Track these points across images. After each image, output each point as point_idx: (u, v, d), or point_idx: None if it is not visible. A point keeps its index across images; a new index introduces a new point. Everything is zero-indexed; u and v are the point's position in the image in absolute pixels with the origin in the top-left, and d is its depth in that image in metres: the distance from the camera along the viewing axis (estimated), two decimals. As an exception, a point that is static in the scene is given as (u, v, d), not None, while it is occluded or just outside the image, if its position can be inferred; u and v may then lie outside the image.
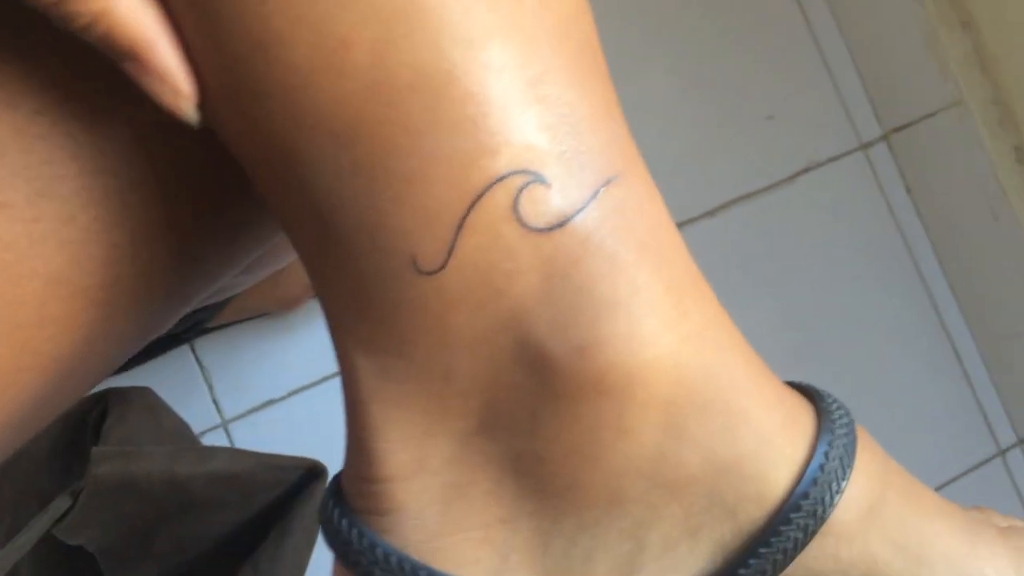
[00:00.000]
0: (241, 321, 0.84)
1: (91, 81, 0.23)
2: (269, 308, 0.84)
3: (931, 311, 0.97)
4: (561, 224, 0.20)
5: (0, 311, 0.22)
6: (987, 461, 0.97)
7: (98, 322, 0.24)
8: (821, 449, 0.22)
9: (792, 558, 0.22)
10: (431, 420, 0.22)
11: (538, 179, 0.20)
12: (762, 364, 0.23)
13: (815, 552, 0.22)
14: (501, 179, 0.20)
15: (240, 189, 0.26)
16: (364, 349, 0.22)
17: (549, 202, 0.20)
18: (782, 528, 0.22)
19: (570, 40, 0.21)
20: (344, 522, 0.23)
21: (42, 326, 0.23)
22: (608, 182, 0.21)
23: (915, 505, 0.23)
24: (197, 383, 0.82)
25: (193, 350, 0.81)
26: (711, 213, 0.91)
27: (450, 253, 0.20)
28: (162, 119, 0.23)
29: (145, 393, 0.63)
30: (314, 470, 0.58)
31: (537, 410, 0.22)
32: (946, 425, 0.96)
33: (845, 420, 0.23)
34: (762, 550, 0.22)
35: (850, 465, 0.22)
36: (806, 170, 0.95)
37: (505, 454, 0.22)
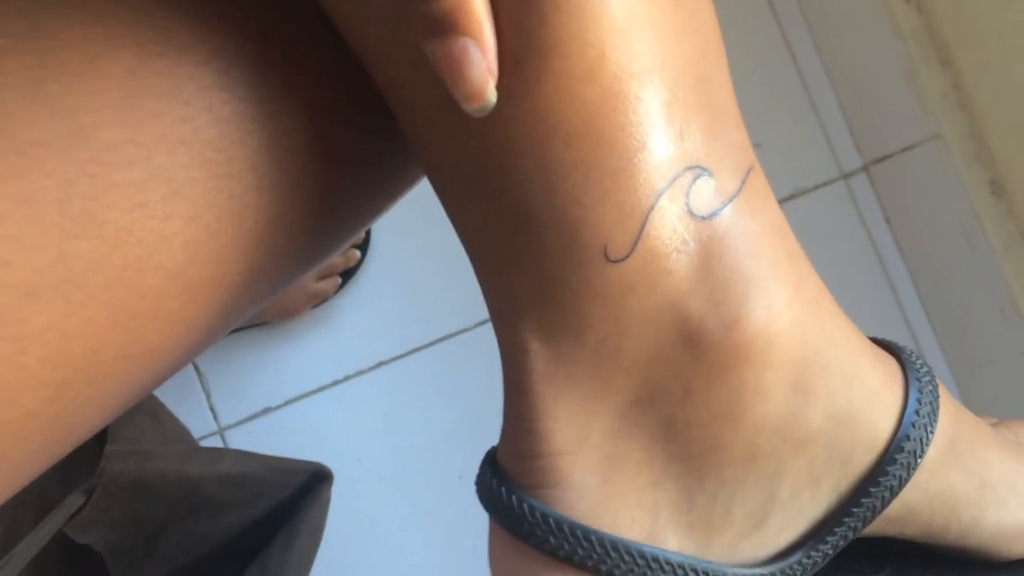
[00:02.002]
0: (240, 329, 0.84)
1: (238, 91, 0.24)
2: (269, 316, 0.85)
3: (908, 339, 0.99)
4: (718, 212, 0.23)
5: (123, 300, 0.23)
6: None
7: (198, 317, 0.25)
8: (913, 396, 0.25)
9: (896, 494, 0.25)
10: (594, 398, 0.24)
11: (704, 174, 0.23)
12: (855, 325, 0.26)
13: (910, 487, 0.25)
14: (678, 177, 0.23)
15: (355, 186, 0.27)
16: (542, 334, 0.24)
17: (711, 193, 0.23)
18: (889, 468, 0.25)
19: (721, 53, 0.24)
20: (514, 498, 0.25)
21: (156, 318, 0.24)
22: (748, 172, 0.24)
23: (979, 438, 0.27)
24: (194, 389, 0.82)
25: None
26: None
27: (636, 242, 0.23)
28: (292, 130, 0.24)
29: (148, 396, 0.63)
30: (320, 473, 0.59)
31: (690, 380, 0.24)
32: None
33: (926, 370, 0.26)
34: (872, 489, 0.25)
35: (937, 410, 0.25)
36: (791, 197, 0.97)
37: (657, 423, 0.24)
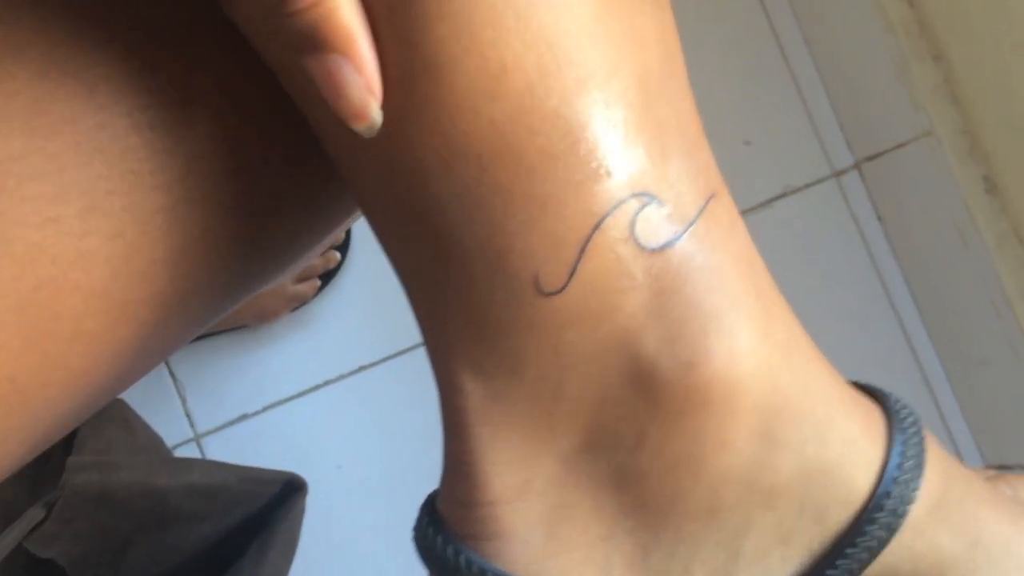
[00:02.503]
0: (217, 333, 0.83)
1: (154, 96, 0.22)
2: (246, 320, 0.84)
3: (902, 338, 0.98)
4: (671, 243, 0.21)
5: (36, 324, 0.21)
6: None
7: (130, 338, 0.24)
8: (896, 449, 0.23)
9: (876, 556, 0.23)
10: (537, 441, 0.22)
11: (653, 201, 0.21)
12: (833, 369, 0.24)
13: (892, 547, 0.23)
14: (621, 203, 0.21)
15: (293, 199, 0.25)
16: (474, 371, 0.22)
17: (662, 222, 0.21)
18: (867, 528, 0.23)
19: (676, 67, 0.22)
20: (450, 549, 0.23)
21: (75, 340, 0.22)
22: (708, 200, 0.22)
23: (971, 494, 0.24)
24: (169, 395, 0.81)
25: (167, 362, 0.80)
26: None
27: (572, 274, 0.21)
28: (220, 134, 0.23)
29: (118, 404, 0.63)
30: (293, 483, 0.58)
31: (643, 425, 0.22)
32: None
33: (912, 419, 0.24)
34: (849, 550, 0.23)
35: (923, 463, 0.23)
36: (782, 195, 0.96)
37: (608, 471, 0.23)
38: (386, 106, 0.21)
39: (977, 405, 0.96)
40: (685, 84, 0.23)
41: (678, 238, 0.21)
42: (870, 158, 0.97)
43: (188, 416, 0.80)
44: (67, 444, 0.56)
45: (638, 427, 0.22)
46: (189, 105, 0.23)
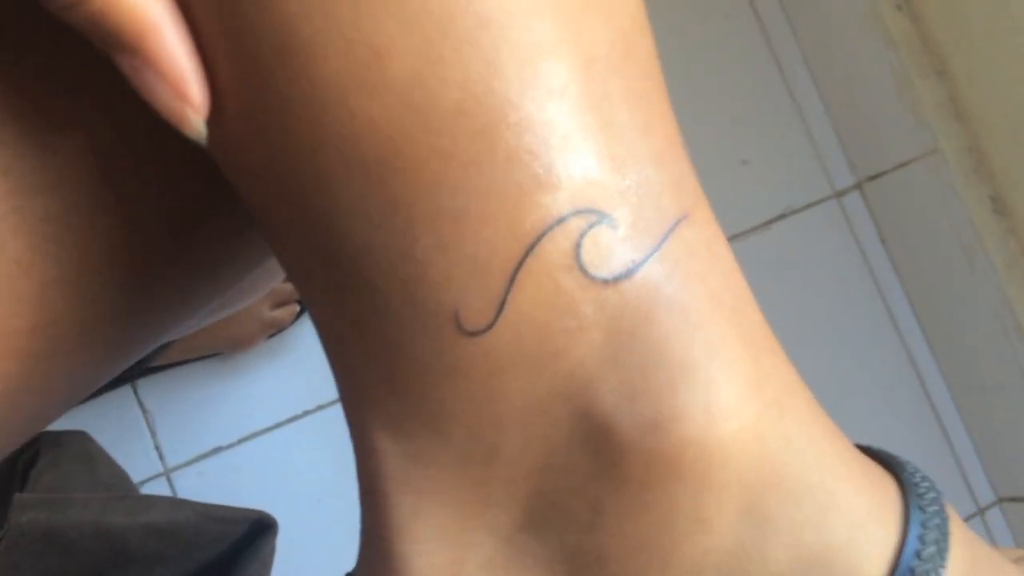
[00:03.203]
0: (189, 361, 0.81)
1: (32, 82, 0.19)
2: (220, 348, 0.81)
3: (907, 363, 0.96)
4: (629, 273, 0.18)
5: None
6: (970, 518, 0.95)
7: (21, 376, 0.21)
8: (914, 532, 0.19)
9: None
10: (469, 514, 0.19)
11: (603, 220, 0.17)
12: (839, 432, 0.20)
13: None
14: (562, 220, 0.17)
15: (219, 215, 0.22)
16: (390, 429, 0.19)
17: (615, 247, 0.17)
18: None
19: (633, 59, 0.18)
20: None
21: None
22: (678, 222, 0.18)
23: None
24: (138, 428, 0.79)
25: (135, 391, 0.78)
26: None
27: (501, 309, 0.17)
28: (121, 129, 0.20)
29: (81, 438, 0.61)
30: (262, 523, 0.55)
31: (598, 498, 0.18)
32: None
33: (932, 495, 0.20)
34: None
35: (946, 549, 0.19)
36: (781, 216, 0.95)
37: (557, 554, 0.19)
38: (238, 105, 0.17)
39: (988, 434, 0.95)
40: (652, 75, 0.19)
41: (638, 267, 0.18)
42: (872, 177, 0.96)
43: (158, 449, 0.78)
44: (24, 480, 0.54)
45: (593, 500, 0.18)
46: (56, 129, 0.20)
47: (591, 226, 0.17)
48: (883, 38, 0.89)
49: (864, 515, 0.19)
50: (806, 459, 0.19)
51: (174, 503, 0.53)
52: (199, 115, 0.17)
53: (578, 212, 0.17)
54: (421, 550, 0.19)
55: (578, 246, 0.17)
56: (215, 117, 0.18)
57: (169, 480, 0.79)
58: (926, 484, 0.20)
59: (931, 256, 0.93)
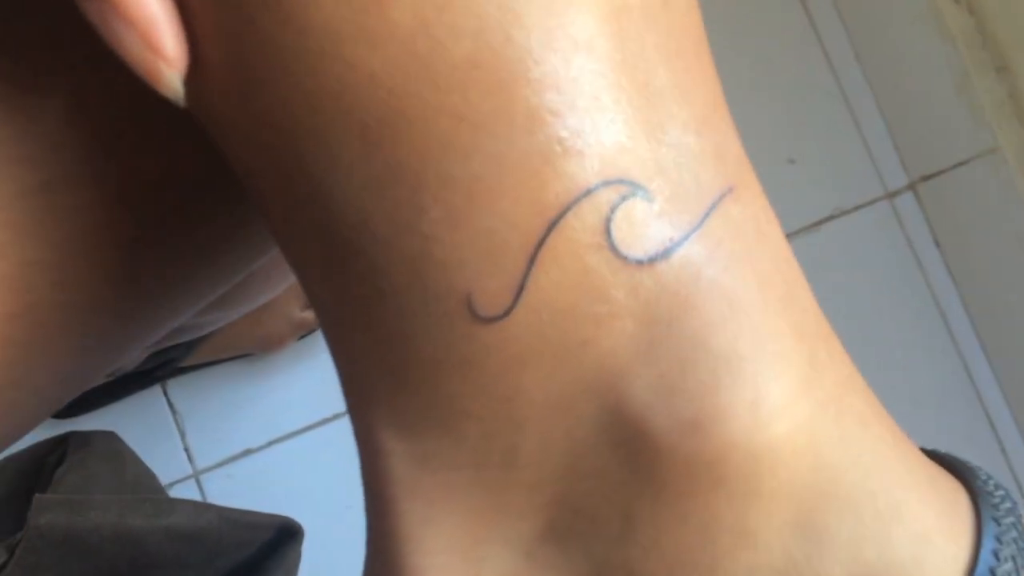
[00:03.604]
0: (219, 362, 0.81)
1: (10, 40, 0.18)
2: (250, 348, 0.82)
3: (964, 374, 0.94)
4: (666, 253, 0.16)
5: None
6: None
7: (2, 367, 0.19)
8: (988, 547, 0.17)
9: None
10: (485, 523, 0.17)
11: (637, 192, 0.16)
12: (902, 434, 0.18)
13: None
14: (589, 192, 0.16)
15: (216, 189, 0.21)
16: (398, 427, 0.17)
17: (651, 223, 0.16)
18: None
19: (671, 9, 0.16)
20: None
21: None
22: (722, 196, 0.16)
23: None
24: (168, 429, 0.79)
25: (165, 392, 0.79)
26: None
27: (519, 292, 0.16)
28: (109, 91, 0.18)
29: (109, 438, 0.61)
30: (288, 529, 0.55)
31: (629, 507, 0.17)
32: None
33: (1008, 505, 0.18)
34: None
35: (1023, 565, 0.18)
36: (830, 218, 0.94)
37: (583, 568, 0.17)
38: (223, 61, 0.16)
39: (1048, 446, 0.92)
40: (693, 30, 0.17)
41: (677, 246, 0.16)
42: (927, 177, 0.94)
43: (187, 451, 0.79)
44: (48, 479, 0.54)
45: (623, 508, 0.17)
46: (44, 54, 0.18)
47: (623, 199, 0.16)
48: (940, 32, 0.87)
49: (931, 528, 0.18)
50: (866, 464, 0.17)
51: (198, 507, 0.52)
52: (173, 69, 0.15)
53: (608, 183, 0.15)
54: (431, 563, 0.17)
55: (608, 221, 0.16)
56: (195, 73, 0.16)
57: (198, 482, 0.80)
58: (1001, 493, 0.19)
59: (987, 260, 0.91)
